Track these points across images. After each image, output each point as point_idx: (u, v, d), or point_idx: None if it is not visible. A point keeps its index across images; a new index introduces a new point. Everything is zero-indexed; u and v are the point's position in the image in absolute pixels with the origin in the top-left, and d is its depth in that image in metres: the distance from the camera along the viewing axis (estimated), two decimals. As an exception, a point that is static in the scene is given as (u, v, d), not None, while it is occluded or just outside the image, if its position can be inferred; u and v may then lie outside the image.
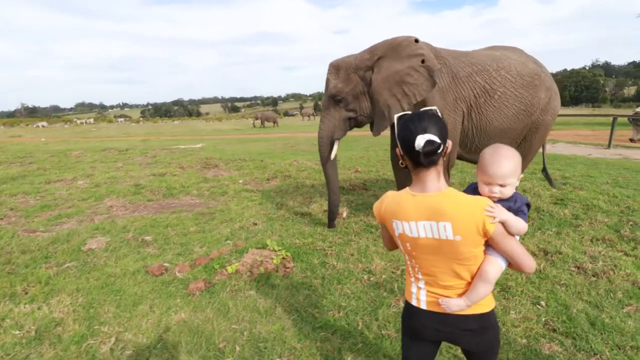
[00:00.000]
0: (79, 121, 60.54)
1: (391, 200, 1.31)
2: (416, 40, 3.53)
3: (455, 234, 1.18)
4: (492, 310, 1.30)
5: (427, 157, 1.18)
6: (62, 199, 6.50)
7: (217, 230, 4.54)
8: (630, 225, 4.20)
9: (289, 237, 4.20)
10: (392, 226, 1.30)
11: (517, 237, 1.25)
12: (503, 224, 1.18)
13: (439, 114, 1.25)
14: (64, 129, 40.63)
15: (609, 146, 11.47)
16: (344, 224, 4.58)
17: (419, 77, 3.50)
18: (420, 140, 1.16)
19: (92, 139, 23.82)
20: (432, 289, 1.30)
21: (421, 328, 1.33)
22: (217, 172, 8.86)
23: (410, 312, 1.36)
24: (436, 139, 1.17)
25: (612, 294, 2.79)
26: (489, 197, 1.25)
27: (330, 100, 3.91)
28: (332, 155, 4.10)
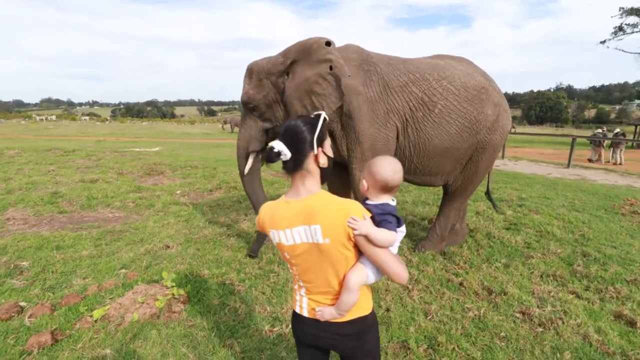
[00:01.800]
0: (38, 118, 56.80)
1: (267, 210, 1.30)
2: (327, 43, 2.96)
3: (325, 237, 1.17)
4: (370, 313, 1.30)
5: (268, 160, 1.19)
6: (-43, 207, 5.49)
7: (117, 254, 3.78)
8: (584, 258, 3.82)
9: (199, 265, 3.51)
10: (270, 236, 1.30)
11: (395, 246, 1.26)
12: (367, 236, 1.16)
13: (313, 121, 1.24)
14: (18, 125, 37.79)
15: (568, 165, 11.57)
16: (273, 249, 3.95)
17: (327, 86, 2.96)
18: (275, 152, 1.18)
19: (43, 137, 22.03)
20: (312, 296, 1.29)
21: (303, 335, 1.34)
22: (158, 180, 8.03)
23: (295, 319, 1.36)
24: (281, 146, 1.18)
25: (558, 354, 2.30)
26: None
27: (244, 108, 3.39)
28: (246, 171, 3.53)
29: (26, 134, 24.48)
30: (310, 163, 1.22)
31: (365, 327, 1.28)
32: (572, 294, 3.07)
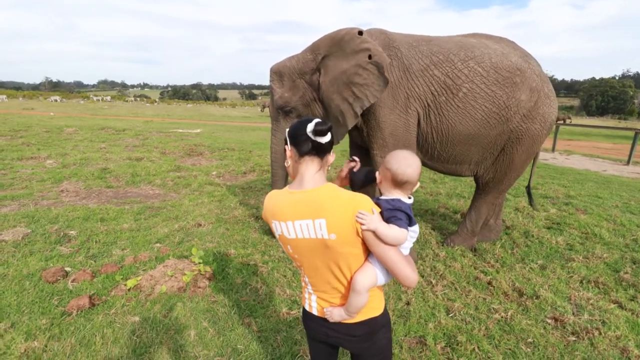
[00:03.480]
0: (95, 98, 61.21)
1: (270, 199, 1.23)
2: (360, 33, 2.91)
3: (330, 232, 1.10)
4: (384, 312, 1.26)
5: (318, 135, 1.14)
6: (22, 178, 6.11)
7: (153, 229, 4.02)
8: (633, 265, 3.48)
9: (226, 245, 3.64)
10: (273, 228, 1.22)
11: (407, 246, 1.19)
12: (374, 232, 1.09)
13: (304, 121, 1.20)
14: (78, 105, 41.02)
15: (628, 162, 10.50)
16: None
17: (369, 75, 2.90)
18: (310, 125, 1.14)
19: (99, 116, 23.75)
20: (320, 294, 1.23)
21: (314, 331, 1.30)
22: (197, 161, 8.39)
23: (305, 316, 1.32)
24: (325, 124, 1.15)
25: (590, 366, 2.14)
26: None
27: (278, 112, 3.29)
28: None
29: (84, 113, 26.51)
30: (331, 154, 1.21)
31: (376, 328, 1.23)
32: (615, 303, 2.81)
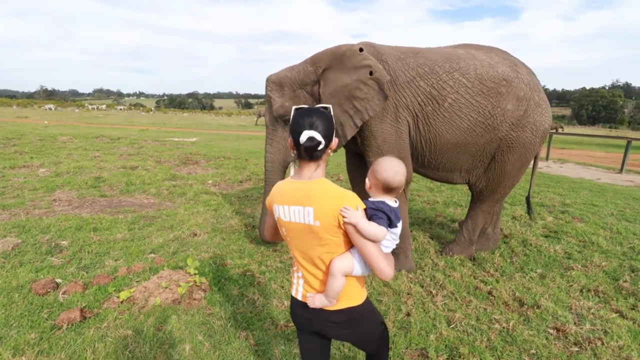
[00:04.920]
0: (90, 107, 60.99)
1: (276, 187, 1.38)
2: (361, 49, 3.06)
3: (315, 219, 1.23)
4: (363, 303, 1.34)
5: (307, 152, 1.24)
6: (13, 187, 6.00)
7: (147, 239, 3.94)
8: (632, 274, 3.47)
9: (222, 255, 3.58)
10: (273, 210, 1.36)
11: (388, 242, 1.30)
12: (354, 226, 1.20)
13: (330, 113, 1.30)
14: (72, 113, 40.80)
15: (621, 171, 10.62)
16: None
17: (369, 90, 3.04)
18: (304, 136, 1.22)
19: (94, 125, 23.63)
20: (306, 278, 1.33)
21: (298, 318, 1.39)
22: (193, 170, 8.33)
23: (292, 303, 1.42)
24: (318, 136, 1.22)
25: (595, 378, 2.10)
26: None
27: (277, 120, 3.31)
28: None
29: (79, 121, 26.36)
30: (326, 152, 1.30)
31: (355, 317, 1.32)
32: (616, 312, 2.79)
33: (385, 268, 1.21)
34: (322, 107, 1.30)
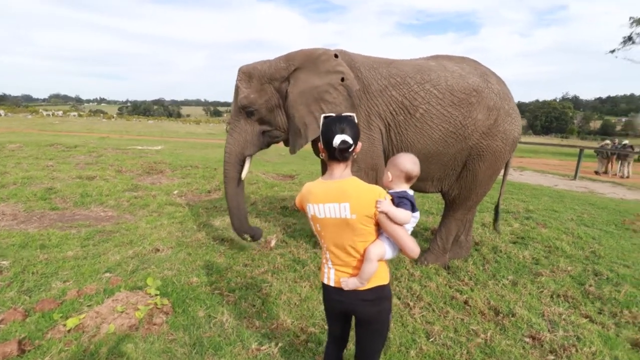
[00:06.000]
0: (45, 113, 57.15)
1: (307, 188, 1.56)
2: (336, 56, 3.13)
3: (352, 213, 1.43)
4: (387, 285, 1.55)
5: (341, 154, 1.45)
6: (-53, 200, 5.35)
7: (103, 256, 3.60)
8: (595, 277, 3.59)
9: (187, 272, 3.32)
10: (307, 210, 1.54)
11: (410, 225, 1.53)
12: (387, 213, 1.43)
13: (355, 119, 1.50)
14: (24, 120, 37.96)
15: (575, 177, 11.31)
16: (268, 257, 3.75)
17: (338, 95, 3.08)
18: (337, 140, 1.43)
19: (48, 132, 22.03)
20: (337, 267, 1.53)
21: (331, 302, 1.59)
22: (157, 180, 7.87)
23: (324, 290, 1.61)
24: (349, 139, 1.44)
25: (572, 387, 2.09)
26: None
27: (240, 111, 3.31)
28: (244, 175, 3.47)
29: (31, 128, 24.52)
30: (352, 153, 1.48)
31: (383, 294, 1.52)
32: (585, 317, 2.84)
33: (414, 246, 1.46)
34: (349, 115, 1.49)
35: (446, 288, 3.23)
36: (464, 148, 3.32)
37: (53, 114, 55.45)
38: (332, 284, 1.55)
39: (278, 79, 3.22)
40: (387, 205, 1.42)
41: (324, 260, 1.60)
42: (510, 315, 2.80)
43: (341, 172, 1.48)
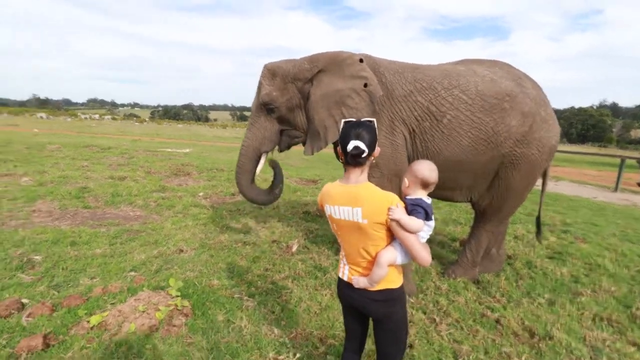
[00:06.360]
0: (83, 116, 60.45)
1: (326, 188, 1.61)
2: (361, 60, 3.06)
3: (364, 218, 1.46)
4: (398, 288, 1.56)
5: (353, 159, 1.48)
6: (-8, 196, 5.69)
7: (129, 255, 3.67)
8: (645, 300, 3.28)
9: (209, 274, 3.32)
10: (325, 209, 1.60)
11: (423, 235, 1.53)
12: (398, 221, 1.43)
13: (374, 125, 1.51)
14: (64, 122, 40.29)
15: (615, 189, 10.59)
16: (289, 262, 3.70)
17: (360, 101, 3.01)
18: (350, 145, 1.45)
19: (85, 134, 23.23)
20: (351, 265, 1.59)
21: (344, 296, 1.64)
22: (184, 181, 8.05)
23: (339, 284, 1.66)
24: (362, 146, 1.45)
25: None
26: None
27: (261, 107, 3.31)
28: (258, 171, 3.46)
29: (70, 130, 25.96)
30: (368, 159, 1.50)
31: (392, 297, 1.53)
32: (633, 345, 2.58)
33: (425, 256, 1.45)
34: (368, 120, 1.51)
35: (476, 304, 3.04)
36: (495, 156, 3.14)
37: (90, 117, 58.55)
38: (345, 279, 1.61)
39: (301, 80, 3.19)
40: (399, 213, 1.42)
41: (341, 256, 1.66)
42: (547, 338, 2.58)
43: (357, 177, 1.51)
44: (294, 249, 4.06)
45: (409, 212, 1.47)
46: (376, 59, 3.28)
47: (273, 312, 2.73)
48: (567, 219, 6.11)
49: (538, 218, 3.86)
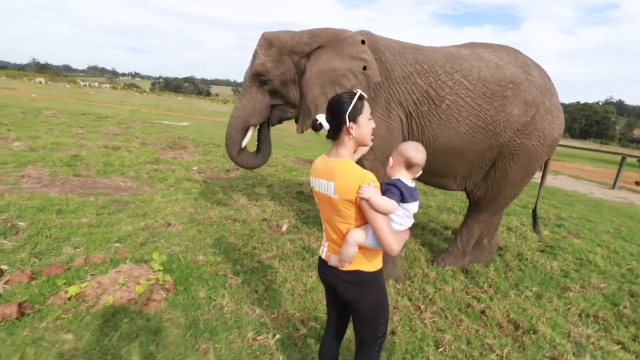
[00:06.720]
0: (82, 83, 59.47)
1: (315, 161, 1.58)
2: (363, 42, 2.90)
3: (335, 193, 1.42)
4: (371, 273, 1.50)
5: (316, 132, 1.54)
6: (-19, 160, 5.58)
7: (116, 226, 3.61)
8: (632, 299, 3.26)
9: (195, 249, 3.27)
10: (311, 182, 1.56)
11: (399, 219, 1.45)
12: (368, 200, 1.36)
13: (346, 101, 1.44)
14: (63, 89, 39.67)
15: (613, 187, 10.53)
16: (278, 242, 3.65)
17: (357, 84, 2.86)
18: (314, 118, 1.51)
19: (83, 101, 22.89)
20: (329, 242, 1.56)
21: (321, 274, 1.62)
22: (179, 155, 7.93)
23: (319, 262, 1.64)
24: (323, 120, 1.48)
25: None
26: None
27: (254, 78, 3.17)
28: (244, 143, 3.38)
29: (68, 97, 25.54)
30: (343, 134, 1.45)
31: (362, 280, 1.48)
32: (618, 343, 2.56)
33: (391, 242, 1.36)
34: (349, 95, 1.45)
35: (463, 294, 3.01)
36: (494, 145, 3.04)
37: (90, 85, 57.59)
38: (323, 256, 1.58)
39: (299, 53, 3.04)
40: (370, 192, 1.34)
41: (323, 234, 1.64)
42: (532, 332, 2.56)
43: (336, 151, 1.49)
44: (284, 228, 4.01)
45: (383, 192, 1.39)
46: (378, 38, 3.12)
47: (257, 292, 2.69)
48: (562, 214, 6.06)
49: (534, 211, 3.79)
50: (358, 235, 1.42)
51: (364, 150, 1.65)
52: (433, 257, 3.66)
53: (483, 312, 2.75)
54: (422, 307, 2.71)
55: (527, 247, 4.23)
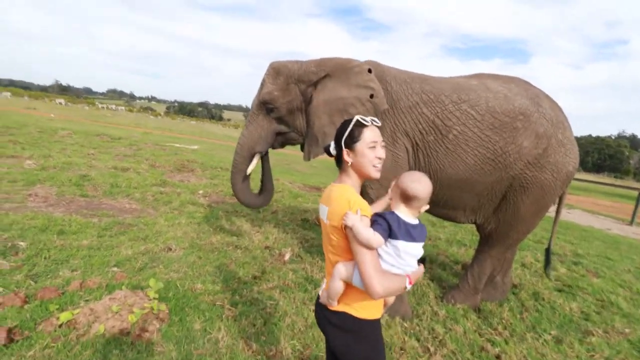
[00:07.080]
0: (100, 105, 61.60)
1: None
2: (369, 71, 2.92)
3: (328, 219, 1.32)
4: (363, 320, 1.31)
5: (331, 157, 1.44)
6: (-8, 177, 5.65)
7: (115, 249, 3.53)
8: (662, 347, 3.00)
9: (194, 276, 3.15)
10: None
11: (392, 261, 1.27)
12: (351, 229, 1.23)
13: (343, 124, 1.39)
14: (82, 110, 41.06)
15: (631, 223, 10.17)
16: (279, 271, 3.52)
17: (364, 112, 2.83)
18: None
19: (99, 123, 23.55)
20: (326, 276, 1.43)
21: (315, 311, 1.48)
22: (186, 178, 7.97)
23: (317, 297, 1.49)
24: (331, 146, 1.41)
25: None
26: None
27: (261, 106, 3.19)
28: (249, 170, 3.36)
29: (86, 118, 26.36)
30: (343, 160, 1.37)
31: (349, 326, 1.31)
32: (649, 398, 2.32)
33: (372, 282, 1.18)
34: (347, 120, 1.38)
35: (475, 335, 2.81)
36: (503, 177, 2.95)
37: (107, 107, 59.63)
38: (320, 292, 1.44)
39: (305, 82, 3.07)
40: (353, 220, 1.21)
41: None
42: (552, 382, 2.34)
43: (340, 177, 1.42)
44: (287, 257, 3.89)
45: (371, 224, 1.25)
46: (384, 67, 3.14)
47: (254, 325, 2.54)
48: (578, 250, 5.81)
49: (548, 249, 3.60)
50: (344, 270, 1.29)
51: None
52: (442, 293, 3.47)
53: (498, 357, 2.55)
54: (431, 349, 2.52)
55: (543, 286, 4.00)
